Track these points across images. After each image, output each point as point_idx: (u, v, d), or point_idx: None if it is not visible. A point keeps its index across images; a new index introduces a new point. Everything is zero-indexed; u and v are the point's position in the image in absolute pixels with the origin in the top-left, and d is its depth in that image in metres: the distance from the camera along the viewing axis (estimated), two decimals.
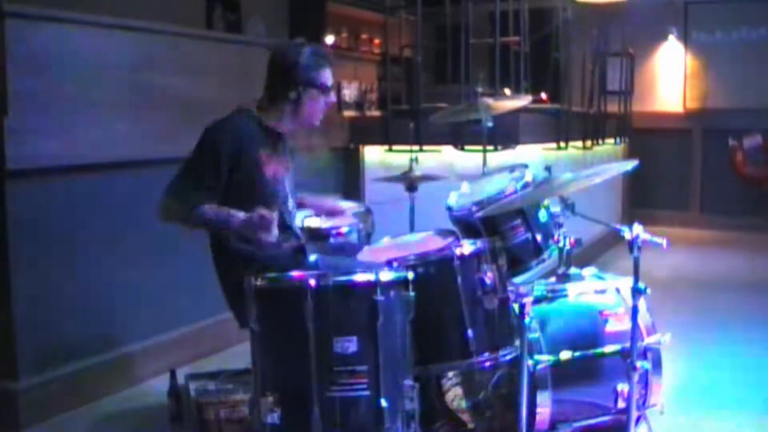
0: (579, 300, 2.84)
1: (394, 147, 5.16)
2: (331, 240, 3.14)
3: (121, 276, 3.57)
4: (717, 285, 5.76)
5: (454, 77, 5.29)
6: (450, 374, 3.04)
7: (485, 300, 2.59)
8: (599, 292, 2.85)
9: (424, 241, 2.89)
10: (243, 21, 6.07)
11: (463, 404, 3.05)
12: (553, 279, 2.94)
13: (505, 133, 4.72)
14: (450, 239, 2.81)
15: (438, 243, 2.78)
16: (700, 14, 8.16)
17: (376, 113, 6.05)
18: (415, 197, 3.67)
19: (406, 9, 5.93)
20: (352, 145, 5.47)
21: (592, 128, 6.43)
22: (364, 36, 7.38)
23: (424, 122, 4.64)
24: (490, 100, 3.74)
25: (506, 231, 2.85)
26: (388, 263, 2.53)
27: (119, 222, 3.54)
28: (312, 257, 2.68)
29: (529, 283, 2.81)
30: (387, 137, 5.23)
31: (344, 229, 3.19)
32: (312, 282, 2.24)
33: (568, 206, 2.76)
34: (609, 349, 2.68)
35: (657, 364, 2.73)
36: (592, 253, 5.88)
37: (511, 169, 3.14)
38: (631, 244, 2.35)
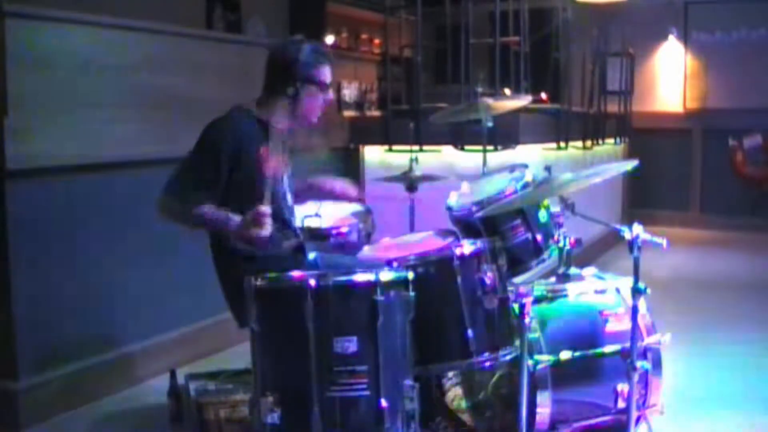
0: (579, 300, 2.84)
1: (394, 147, 5.16)
2: (331, 240, 3.14)
3: (121, 276, 3.57)
4: (717, 285, 5.76)
5: (454, 77, 5.28)
6: (450, 374, 3.04)
7: (485, 300, 2.60)
8: (599, 292, 2.85)
9: (424, 241, 2.89)
10: (243, 21, 6.06)
11: (463, 404, 3.05)
12: (553, 279, 2.94)
13: (505, 133, 4.72)
14: (450, 239, 2.81)
15: (438, 243, 2.78)
16: (700, 14, 8.16)
17: (376, 113, 6.05)
18: (415, 197, 3.67)
19: (406, 9, 5.92)
20: (352, 145, 5.47)
21: (592, 128, 6.43)
22: (364, 36, 7.38)
23: (424, 122, 4.64)
24: (490, 100, 3.74)
25: (506, 231, 2.85)
26: (388, 263, 2.53)
27: (119, 222, 3.54)
28: (311, 255, 2.68)
29: (529, 283, 2.81)
30: (387, 137, 5.23)
31: (344, 229, 3.19)
32: (312, 282, 2.25)
33: (568, 206, 2.76)
34: (609, 349, 2.68)
35: (657, 364, 2.73)
36: (592, 253, 5.88)
37: (511, 169, 3.14)
38: (631, 244, 2.35)
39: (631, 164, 2.63)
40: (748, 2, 7.86)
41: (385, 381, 2.27)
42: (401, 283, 2.37)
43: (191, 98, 3.81)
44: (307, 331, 2.22)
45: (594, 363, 2.69)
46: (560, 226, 2.92)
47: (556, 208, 2.89)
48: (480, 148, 3.83)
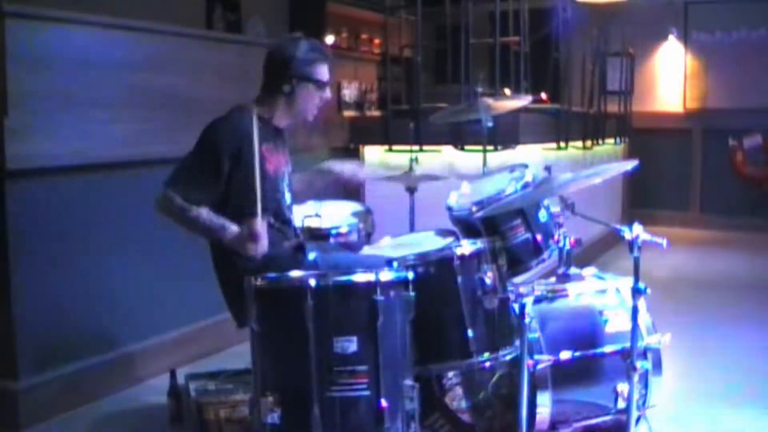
0: (579, 300, 2.84)
1: (394, 147, 5.16)
2: (331, 240, 3.14)
3: (121, 276, 3.57)
4: (717, 285, 5.76)
5: (454, 77, 5.29)
6: (450, 374, 3.04)
7: (485, 300, 2.60)
8: (599, 292, 2.85)
9: (424, 241, 2.89)
10: (243, 21, 6.07)
11: (463, 404, 3.05)
12: (553, 279, 2.94)
13: (505, 133, 4.72)
14: (450, 239, 2.81)
15: (438, 243, 2.78)
16: (700, 14, 8.16)
17: (376, 113, 6.05)
18: (415, 197, 3.67)
19: (406, 9, 5.92)
20: (352, 145, 5.46)
21: (592, 128, 6.43)
22: (364, 36, 7.39)
23: (424, 122, 4.64)
24: (490, 100, 3.74)
25: (506, 231, 2.85)
26: (388, 263, 2.53)
27: (119, 222, 3.54)
28: (311, 255, 2.68)
29: (529, 283, 2.81)
30: (387, 137, 5.23)
31: (344, 229, 3.19)
32: (312, 282, 2.25)
33: (568, 206, 2.76)
34: (609, 349, 2.68)
35: (657, 364, 2.73)
36: (592, 253, 5.88)
37: (511, 169, 3.14)
38: (631, 244, 2.35)
39: (631, 164, 2.63)
40: (748, 2, 7.86)
41: (385, 381, 2.27)
42: (401, 283, 2.37)
43: (191, 98, 3.82)
44: (307, 331, 2.22)
45: (594, 363, 2.69)
46: (560, 226, 2.92)
47: (556, 208, 2.89)
48: (480, 148, 3.83)
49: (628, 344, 2.44)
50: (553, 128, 5.68)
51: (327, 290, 2.26)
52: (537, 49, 5.45)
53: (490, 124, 3.72)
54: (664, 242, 2.38)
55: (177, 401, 3.15)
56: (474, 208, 2.86)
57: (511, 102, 3.99)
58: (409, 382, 2.34)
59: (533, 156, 5.16)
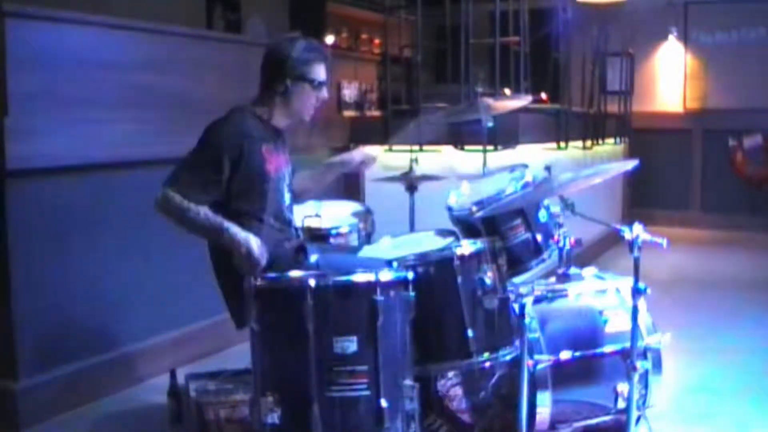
0: (579, 300, 2.84)
1: (394, 147, 5.16)
2: (331, 240, 3.14)
3: (121, 276, 3.57)
4: (717, 285, 5.76)
5: (454, 77, 5.29)
6: (450, 374, 3.04)
7: (485, 300, 2.59)
8: (599, 292, 2.85)
9: (424, 241, 2.89)
10: (243, 21, 6.08)
11: (463, 404, 3.05)
12: (553, 279, 2.94)
13: (505, 133, 4.72)
14: (450, 239, 2.81)
15: (438, 243, 2.78)
16: (700, 14, 8.16)
17: (376, 113, 6.05)
18: (415, 197, 3.67)
19: (406, 9, 5.93)
20: (352, 145, 5.46)
21: (592, 128, 6.43)
22: (364, 36, 7.40)
23: (424, 122, 4.63)
24: (490, 100, 3.74)
25: (506, 231, 2.85)
26: (388, 263, 2.53)
27: (119, 222, 3.54)
28: (313, 258, 2.68)
29: (529, 283, 2.81)
30: (387, 137, 5.22)
31: (344, 229, 3.19)
32: (312, 282, 2.24)
33: (568, 206, 2.76)
34: (609, 349, 2.68)
35: (657, 364, 2.73)
36: (592, 253, 5.88)
37: (511, 169, 3.14)
38: (631, 244, 2.35)
39: (631, 164, 2.63)
40: (748, 2, 7.86)
41: (385, 381, 2.27)
42: (401, 283, 2.37)
43: (191, 98, 3.82)
44: (307, 331, 2.22)
45: (594, 363, 2.69)
46: (560, 226, 2.91)
47: (556, 208, 2.89)
48: (480, 148, 3.83)
49: (628, 344, 2.44)
50: (553, 128, 5.68)
51: (327, 290, 2.26)
52: (537, 49, 5.45)
53: (490, 124, 3.72)
54: (664, 242, 2.38)
55: (177, 401, 3.15)
56: (474, 208, 2.86)
57: (511, 102, 3.99)
58: (409, 382, 2.34)
59: (533, 156, 5.16)
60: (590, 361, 2.69)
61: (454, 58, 5.24)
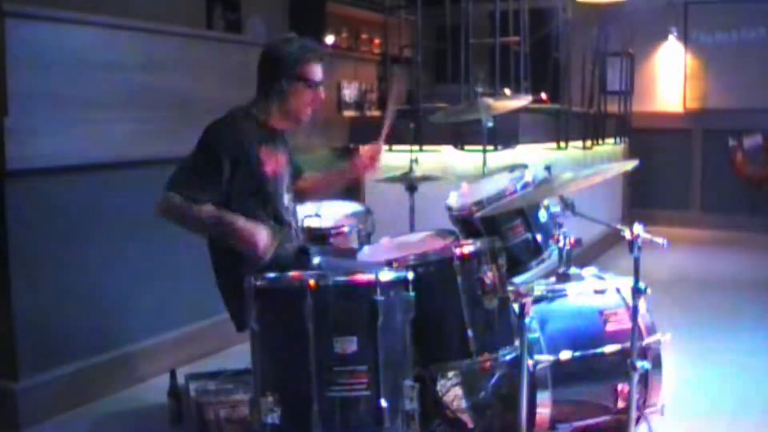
0: (579, 300, 2.84)
1: (394, 147, 5.15)
2: (331, 240, 3.14)
3: (121, 276, 3.57)
4: (717, 285, 5.76)
5: (454, 77, 5.29)
6: (450, 374, 3.04)
7: (485, 300, 2.59)
8: (599, 292, 2.85)
9: (424, 241, 2.89)
10: (243, 21, 6.07)
11: (463, 404, 3.05)
12: (553, 279, 2.94)
13: (505, 133, 4.72)
14: (450, 239, 2.81)
15: (438, 243, 2.78)
16: (700, 14, 8.16)
17: (376, 113, 6.05)
18: (415, 197, 3.67)
19: (406, 9, 5.93)
20: (352, 145, 5.46)
21: (592, 128, 6.43)
22: (364, 36, 7.39)
23: (424, 122, 4.64)
24: (490, 100, 3.74)
25: (506, 231, 2.85)
26: (388, 263, 2.53)
27: (119, 222, 3.54)
28: (316, 260, 2.67)
29: (529, 283, 2.81)
30: (387, 137, 5.22)
31: (344, 229, 3.19)
32: (312, 282, 2.24)
33: (568, 206, 2.76)
34: (609, 349, 2.68)
35: (657, 364, 2.73)
36: (592, 253, 5.88)
37: (511, 169, 3.14)
38: (631, 244, 2.35)
39: (631, 164, 2.63)
40: (748, 2, 7.86)
41: (385, 381, 2.27)
42: (401, 283, 2.37)
43: (191, 98, 3.82)
44: (307, 331, 2.22)
45: (594, 363, 2.69)
46: (560, 226, 2.91)
47: (556, 208, 2.89)
48: (480, 148, 3.83)
49: (628, 344, 2.44)
50: (553, 128, 5.68)
51: (327, 290, 2.26)
52: (537, 49, 5.45)
53: (490, 124, 3.72)
54: (664, 242, 2.38)
55: (177, 401, 3.15)
56: (474, 208, 2.86)
57: (511, 102, 3.99)
58: (409, 382, 2.34)
59: (533, 156, 5.16)
60: (590, 361, 2.68)
61: (454, 58, 5.24)
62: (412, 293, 2.37)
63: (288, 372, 2.29)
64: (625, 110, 7.41)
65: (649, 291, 2.40)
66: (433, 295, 2.54)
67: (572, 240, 2.88)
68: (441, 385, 3.04)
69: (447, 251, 2.62)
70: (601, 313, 2.77)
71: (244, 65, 4.09)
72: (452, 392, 3.08)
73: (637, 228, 2.35)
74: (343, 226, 3.20)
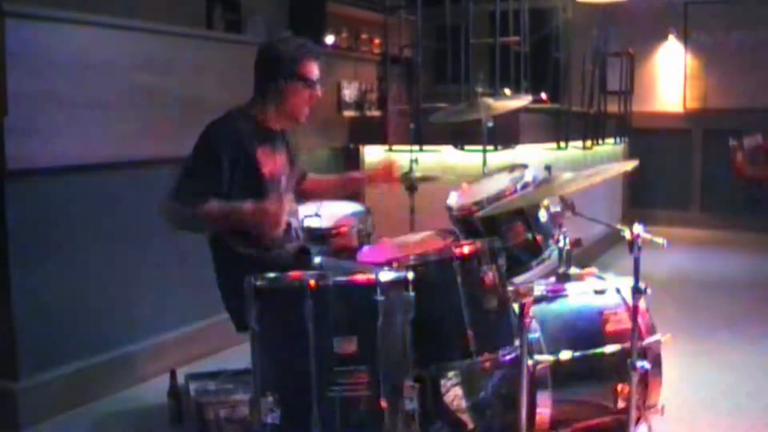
0: (579, 300, 2.84)
1: (394, 147, 5.16)
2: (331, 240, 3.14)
3: (121, 276, 3.57)
4: (717, 285, 5.76)
5: (454, 77, 5.29)
6: (450, 374, 3.04)
7: (485, 300, 2.59)
8: (599, 292, 2.85)
9: (424, 241, 2.89)
10: (243, 21, 6.06)
11: (463, 404, 3.05)
12: (553, 279, 2.93)
13: (505, 133, 4.72)
14: (450, 239, 2.81)
15: (438, 243, 2.78)
16: (700, 14, 8.16)
17: (376, 113, 6.05)
18: (415, 197, 3.67)
19: (406, 9, 5.93)
20: (352, 145, 5.47)
21: (592, 128, 6.43)
22: (364, 36, 7.37)
23: (424, 122, 4.64)
24: (490, 100, 3.74)
25: (506, 231, 2.84)
26: (388, 263, 2.53)
27: (119, 222, 3.54)
28: (317, 260, 2.68)
29: (529, 283, 2.81)
30: (387, 137, 5.23)
31: (344, 229, 3.19)
32: (312, 282, 2.24)
33: (568, 206, 2.76)
34: (609, 349, 2.68)
35: (657, 364, 2.73)
36: (592, 253, 5.88)
37: (511, 169, 3.14)
38: (631, 244, 2.35)
39: (631, 164, 2.63)
40: (748, 2, 7.86)
41: (385, 381, 2.26)
42: (401, 283, 2.36)
43: (191, 98, 3.82)
44: (307, 331, 2.22)
45: (594, 363, 2.69)
46: (560, 226, 2.91)
47: (556, 208, 2.89)
48: (480, 148, 3.83)
49: (628, 344, 2.44)
50: (553, 128, 5.68)
51: (327, 290, 2.26)
52: (537, 49, 5.45)
53: (490, 124, 3.72)
54: (664, 242, 2.38)
55: (177, 401, 3.15)
56: (474, 208, 2.86)
57: (511, 102, 3.99)
58: (409, 382, 2.34)
59: (533, 156, 5.16)
60: (590, 361, 2.68)
61: (454, 58, 5.24)
62: (412, 293, 2.37)
63: (288, 372, 2.28)
64: (625, 110, 7.41)
65: (649, 291, 2.40)
66: (433, 295, 2.53)
67: (572, 240, 2.88)
68: (441, 385, 3.04)
69: (447, 251, 2.62)
70: (601, 313, 2.77)
71: (244, 65, 4.09)
72: (452, 392, 3.08)
73: (637, 228, 2.35)
74: (343, 226, 3.20)
